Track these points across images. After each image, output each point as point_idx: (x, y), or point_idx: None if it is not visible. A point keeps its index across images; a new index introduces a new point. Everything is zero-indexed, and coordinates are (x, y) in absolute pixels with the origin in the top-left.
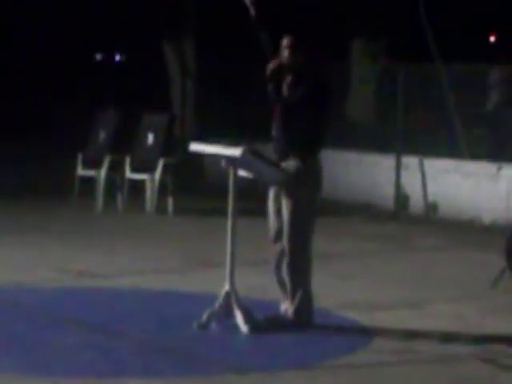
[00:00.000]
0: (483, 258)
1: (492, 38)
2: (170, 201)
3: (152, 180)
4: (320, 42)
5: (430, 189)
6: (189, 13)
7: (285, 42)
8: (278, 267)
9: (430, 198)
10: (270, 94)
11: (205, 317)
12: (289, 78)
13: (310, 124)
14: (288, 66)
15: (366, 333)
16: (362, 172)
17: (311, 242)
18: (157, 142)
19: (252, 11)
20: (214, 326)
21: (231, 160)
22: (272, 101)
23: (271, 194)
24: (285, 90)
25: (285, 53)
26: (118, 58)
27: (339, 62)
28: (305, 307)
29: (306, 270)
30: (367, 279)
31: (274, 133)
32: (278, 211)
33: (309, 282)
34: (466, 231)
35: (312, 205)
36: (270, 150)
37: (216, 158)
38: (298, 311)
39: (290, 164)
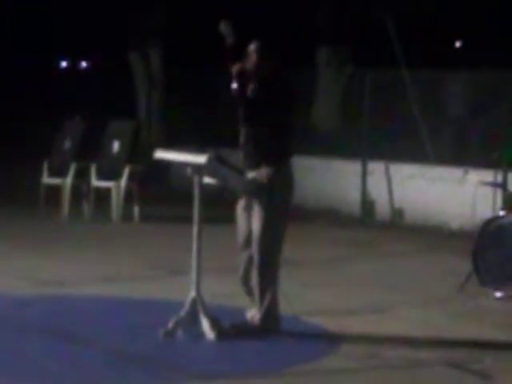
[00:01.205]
0: (450, 263)
1: (457, 44)
2: (136, 208)
3: (118, 187)
4: (285, 49)
5: (397, 194)
6: (156, 22)
7: (252, 47)
8: (246, 274)
9: (397, 203)
10: (233, 93)
11: (171, 324)
12: (252, 86)
13: (277, 130)
14: (253, 72)
15: (334, 339)
16: (328, 178)
17: (281, 249)
18: (123, 150)
19: (229, 41)
20: (180, 333)
21: (197, 167)
22: (236, 101)
23: (241, 201)
24: (249, 95)
25: (251, 58)
26: (83, 65)
27: (305, 68)
28: (272, 313)
29: (274, 276)
30: (334, 285)
31: (241, 140)
32: (247, 218)
33: (276, 288)
34: (432, 236)
35: (284, 212)
36: (236, 156)
37: (182, 165)
38: (265, 317)
39: (262, 171)
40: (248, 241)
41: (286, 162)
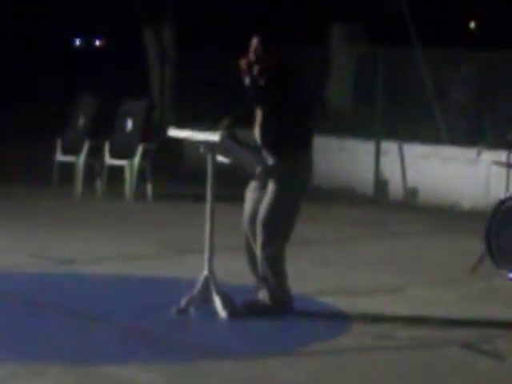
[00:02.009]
0: (463, 243)
1: (472, 24)
2: (149, 187)
3: (131, 166)
4: (297, 28)
5: (410, 174)
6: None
7: (254, 42)
8: (252, 257)
9: (410, 183)
10: (248, 91)
11: (183, 302)
12: (261, 80)
13: (291, 120)
14: (259, 65)
15: (346, 318)
16: (342, 158)
17: (286, 233)
18: (136, 128)
19: (247, 81)
20: (192, 311)
21: (210, 145)
22: (252, 99)
23: (252, 183)
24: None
25: (255, 52)
26: (97, 43)
27: (318, 47)
28: (281, 293)
29: (279, 256)
30: (346, 265)
31: (256, 131)
32: (255, 200)
33: (282, 268)
34: (445, 216)
35: (295, 199)
36: (249, 135)
37: (195, 143)
38: (275, 297)
39: (277, 159)
40: (253, 220)
41: (305, 150)
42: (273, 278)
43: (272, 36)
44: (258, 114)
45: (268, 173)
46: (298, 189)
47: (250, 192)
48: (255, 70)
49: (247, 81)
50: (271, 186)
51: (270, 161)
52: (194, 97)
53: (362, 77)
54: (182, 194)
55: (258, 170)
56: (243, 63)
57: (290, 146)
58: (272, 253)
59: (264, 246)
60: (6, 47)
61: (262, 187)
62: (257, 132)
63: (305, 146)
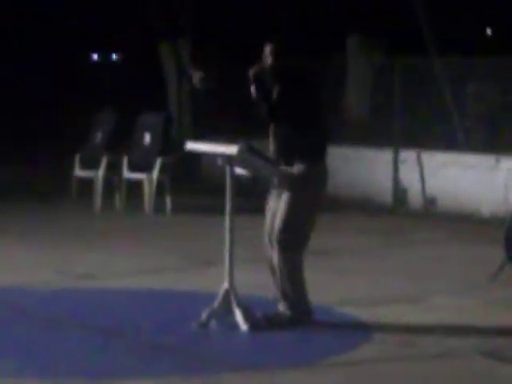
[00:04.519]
0: (483, 251)
1: (489, 31)
2: (168, 200)
3: (150, 179)
4: (315, 38)
5: (429, 182)
6: (185, 12)
7: (267, 49)
8: (273, 269)
9: (429, 191)
10: (257, 103)
11: (204, 315)
12: (276, 88)
13: (304, 128)
14: (271, 72)
15: (367, 328)
16: (360, 167)
17: (304, 243)
18: (154, 142)
19: (253, 92)
20: (213, 324)
21: (228, 158)
22: (257, 103)
23: (273, 193)
24: (270, 95)
25: (267, 59)
26: (114, 58)
27: (336, 57)
28: (301, 304)
29: (297, 267)
30: (367, 274)
31: (271, 139)
32: (275, 212)
33: (301, 279)
34: (465, 224)
35: (311, 208)
36: (266, 146)
37: (213, 156)
38: (296, 309)
39: (295, 169)
40: (271, 231)
41: (319, 159)
42: (292, 290)
43: (286, 43)
44: (272, 124)
45: (284, 183)
46: (311, 198)
47: (270, 204)
48: (269, 77)
49: (253, 89)
50: (284, 196)
51: (287, 171)
52: (211, 109)
53: (379, 86)
54: (201, 206)
55: (276, 181)
56: (252, 71)
57: (305, 154)
58: (290, 263)
59: (281, 256)
60: (24, 64)
61: (280, 198)
62: (271, 142)
63: (319, 154)
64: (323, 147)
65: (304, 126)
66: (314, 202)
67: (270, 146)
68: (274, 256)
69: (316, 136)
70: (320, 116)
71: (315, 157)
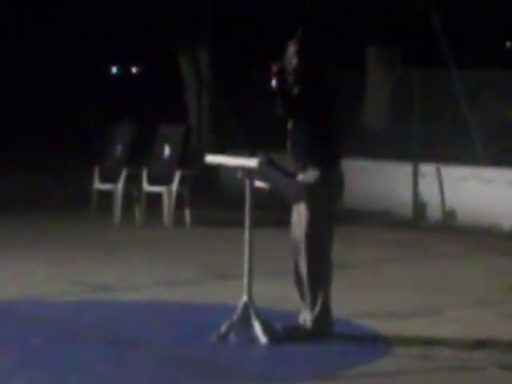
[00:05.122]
0: (502, 264)
1: (508, 44)
2: (188, 213)
3: (169, 192)
4: (334, 50)
5: (448, 196)
6: (204, 22)
7: (292, 48)
8: (299, 278)
9: (448, 205)
10: (278, 103)
11: (223, 328)
12: (296, 88)
13: (320, 132)
14: (293, 72)
15: (386, 341)
16: (380, 180)
17: (330, 251)
18: (173, 154)
19: (274, 83)
20: (232, 337)
21: (247, 171)
22: (276, 97)
23: (295, 207)
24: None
25: (291, 59)
26: (133, 70)
27: (354, 68)
28: (324, 317)
29: (325, 279)
30: (385, 287)
31: (288, 143)
32: (298, 223)
33: (328, 291)
34: (484, 238)
35: (329, 215)
36: (286, 159)
37: (232, 169)
38: (317, 321)
39: (309, 175)
40: (296, 243)
41: (334, 164)
42: (320, 301)
43: (312, 45)
44: (288, 123)
45: (302, 195)
46: (334, 202)
47: (296, 213)
48: (289, 77)
49: (274, 83)
50: (303, 205)
51: (303, 182)
52: (231, 122)
53: (398, 98)
54: (221, 219)
55: (291, 196)
56: (275, 68)
57: (320, 159)
58: (318, 276)
59: (310, 269)
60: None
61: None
62: (288, 144)
63: (334, 159)
64: (338, 152)
65: (319, 130)
66: (329, 211)
67: (287, 150)
68: (302, 265)
69: (331, 140)
70: (336, 121)
71: (330, 162)
